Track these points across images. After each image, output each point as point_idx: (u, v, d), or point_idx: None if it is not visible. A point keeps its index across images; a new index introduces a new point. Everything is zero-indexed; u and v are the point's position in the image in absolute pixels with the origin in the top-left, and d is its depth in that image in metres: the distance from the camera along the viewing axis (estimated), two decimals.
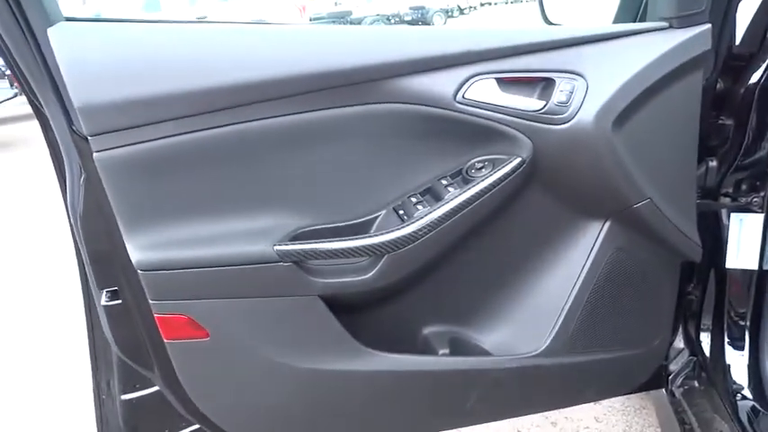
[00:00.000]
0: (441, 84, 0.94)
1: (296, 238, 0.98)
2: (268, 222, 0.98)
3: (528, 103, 0.96)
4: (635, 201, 1.02)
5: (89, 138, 0.88)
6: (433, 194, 1.01)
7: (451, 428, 1.26)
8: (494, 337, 1.15)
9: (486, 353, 1.13)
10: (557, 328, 1.11)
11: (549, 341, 1.11)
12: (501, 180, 0.98)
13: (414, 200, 1.01)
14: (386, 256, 0.98)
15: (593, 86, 0.95)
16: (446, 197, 0.98)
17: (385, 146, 0.99)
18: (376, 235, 0.98)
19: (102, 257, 1.01)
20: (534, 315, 1.13)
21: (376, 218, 1.03)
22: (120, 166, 0.90)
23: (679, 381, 1.32)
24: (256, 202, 0.97)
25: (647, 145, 1.00)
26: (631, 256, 1.10)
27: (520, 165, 0.98)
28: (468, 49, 0.95)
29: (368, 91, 0.94)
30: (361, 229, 1.02)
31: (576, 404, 1.34)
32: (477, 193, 0.98)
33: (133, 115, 0.88)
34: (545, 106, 0.95)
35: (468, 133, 0.98)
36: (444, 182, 1.01)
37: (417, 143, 1.00)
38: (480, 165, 1.00)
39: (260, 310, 0.99)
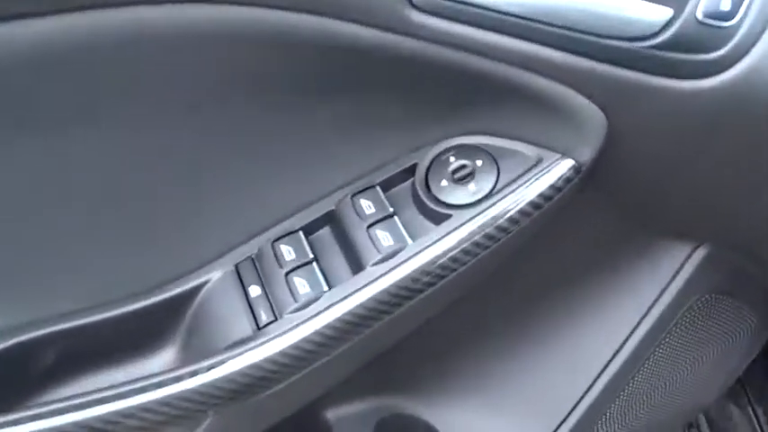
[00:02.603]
0: None
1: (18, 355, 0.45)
2: None
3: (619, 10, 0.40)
4: None
5: None
6: (340, 236, 0.47)
7: None
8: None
9: None
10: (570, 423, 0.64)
11: None
12: (521, 216, 0.44)
13: (286, 251, 0.46)
14: (216, 413, 0.44)
15: None
16: (373, 261, 0.44)
17: (238, 115, 0.45)
18: (196, 371, 0.42)
19: None
20: (534, 401, 0.66)
21: (200, 288, 0.48)
22: None
23: None
24: None
25: None
26: (721, 309, 0.65)
27: (571, 176, 0.45)
28: None
29: None
30: (165, 321, 0.48)
31: None
32: (457, 250, 0.44)
33: None
34: (674, 22, 0.39)
35: (439, 86, 0.45)
36: (366, 205, 0.46)
37: (313, 107, 0.45)
38: (458, 163, 0.46)
39: None
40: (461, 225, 0.44)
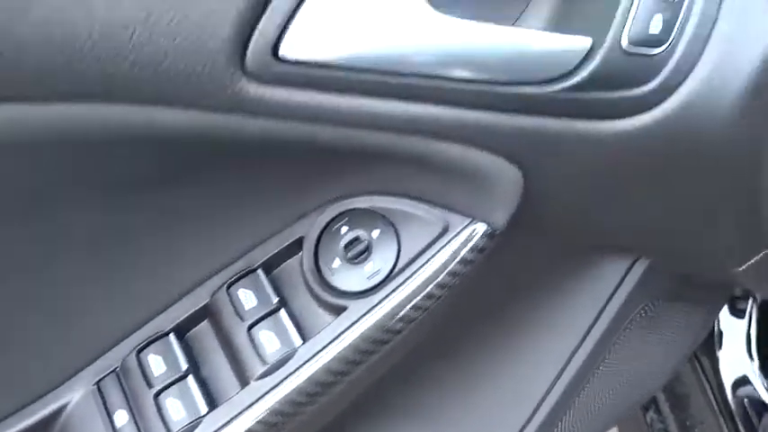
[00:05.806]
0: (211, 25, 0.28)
1: None
2: None
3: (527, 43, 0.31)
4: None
5: None
6: (221, 336, 0.38)
7: None
8: None
9: None
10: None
11: None
12: (428, 301, 0.36)
13: (154, 363, 0.37)
14: None
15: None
16: (257, 375, 0.36)
17: (75, 217, 0.36)
18: None
19: None
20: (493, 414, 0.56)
21: (56, 416, 0.38)
22: None
23: None
24: None
25: None
26: (667, 311, 0.57)
27: (484, 244, 0.37)
28: None
29: None
30: None
31: None
32: (354, 351, 0.36)
33: None
34: (594, 55, 0.30)
35: (308, 160, 0.36)
36: (246, 297, 0.37)
37: (159, 199, 0.36)
38: (351, 235, 0.37)
39: None
40: (358, 320, 0.35)
